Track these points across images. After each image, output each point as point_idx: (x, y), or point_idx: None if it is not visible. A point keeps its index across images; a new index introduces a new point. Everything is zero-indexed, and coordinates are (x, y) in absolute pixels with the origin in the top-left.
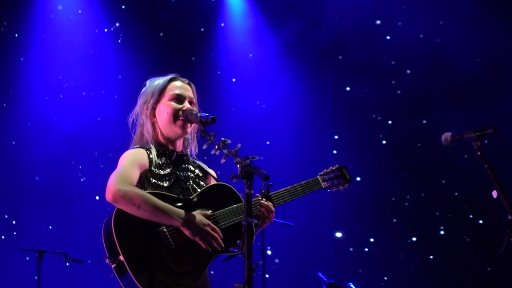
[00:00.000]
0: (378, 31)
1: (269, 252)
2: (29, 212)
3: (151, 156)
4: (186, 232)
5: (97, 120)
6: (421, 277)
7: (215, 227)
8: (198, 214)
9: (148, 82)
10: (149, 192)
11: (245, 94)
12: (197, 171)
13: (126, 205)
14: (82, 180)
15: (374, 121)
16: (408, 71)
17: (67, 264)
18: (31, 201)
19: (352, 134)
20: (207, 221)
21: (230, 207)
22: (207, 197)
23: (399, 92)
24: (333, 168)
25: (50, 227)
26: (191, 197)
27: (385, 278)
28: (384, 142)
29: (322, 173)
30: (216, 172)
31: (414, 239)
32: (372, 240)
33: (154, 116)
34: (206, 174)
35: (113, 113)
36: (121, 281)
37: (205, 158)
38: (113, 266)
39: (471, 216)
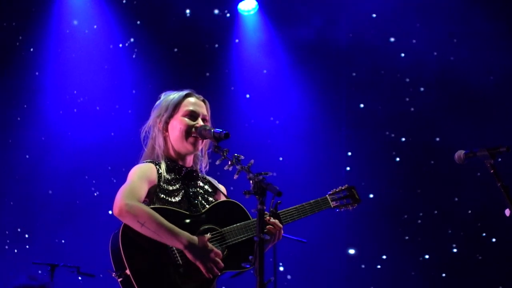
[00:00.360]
0: (392, 48)
1: (281, 269)
2: (42, 225)
3: (160, 171)
4: (188, 256)
5: (111, 135)
6: None
7: (218, 251)
8: (202, 238)
9: (162, 96)
10: (157, 207)
11: (259, 110)
12: (206, 186)
13: (130, 221)
14: (95, 194)
15: (387, 138)
16: (422, 89)
17: (79, 278)
18: (44, 215)
19: (365, 150)
20: (210, 247)
21: (238, 224)
22: (216, 213)
23: (412, 109)
24: (343, 188)
25: (63, 241)
26: (199, 213)
27: None
28: (397, 159)
29: (331, 192)
30: (229, 188)
31: (426, 256)
32: (384, 257)
33: (167, 130)
34: (215, 189)
35: (127, 128)
36: None
37: (218, 173)
38: (119, 280)
39: (484, 234)
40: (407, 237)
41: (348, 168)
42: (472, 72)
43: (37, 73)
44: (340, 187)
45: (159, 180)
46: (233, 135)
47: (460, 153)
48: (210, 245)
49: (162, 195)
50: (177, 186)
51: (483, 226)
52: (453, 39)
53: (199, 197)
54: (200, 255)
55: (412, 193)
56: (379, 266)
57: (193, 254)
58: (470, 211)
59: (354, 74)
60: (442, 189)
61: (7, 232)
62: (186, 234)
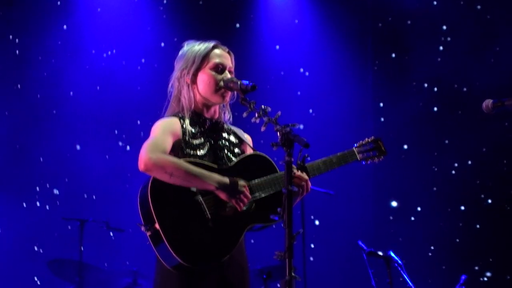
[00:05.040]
0: None
1: (317, 222)
2: (70, 181)
3: (184, 126)
4: (222, 196)
5: (137, 89)
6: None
7: (244, 184)
8: (233, 178)
9: (186, 46)
10: (183, 160)
11: (288, 61)
12: (231, 138)
13: (158, 173)
14: (127, 148)
15: (415, 88)
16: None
17: (111, 234)
18: (73, 171)
19: (393, 102)
20: (243, 183)
21: (266, 177)
22: (243, 167)
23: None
24: (369, 140)
25: (94, 196)
26: (225, 167)
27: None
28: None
29: (357, 145)
30: (259, 140)
31: (462, 208)
32: (419, 209)
33: (194, 82)
34: (241, 140)
35: (154, 81)
36: (156, 249)
37: (248, 126)
38: (148, 234)
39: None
40: (437, 189)
41: (382, 119)
42: None
43: (65, 27)
44: (366, 139)
45: (183, 134)
46: (262, 87)
47: (488, 102)
48: (243, 182)
49: (187, 149)
50: (202, 139)
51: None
52: None
53: (225, 150)
54: (235, 193)
55: (441, 144)
56: (412, 218)
57: (227, 193)
58: (505, 161)
59: (380, 24)
60: (470, 139)
61: (37, 189)
62: (216, 175)
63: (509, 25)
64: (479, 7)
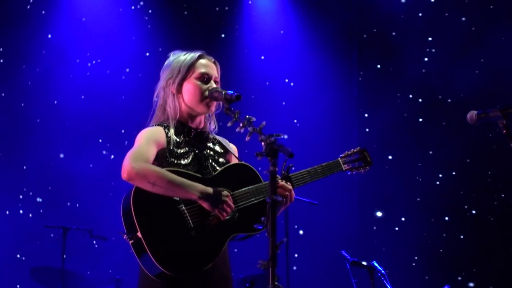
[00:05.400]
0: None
1: (301, 232)
2: (54, 190)
3: (169, 135)
4: (205, 205)
5: (122, 98)
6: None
7: (228, 193)
8: (216, 188)
9: (171, 56)
10: (167, 169)
11: (273, 71)
12: (216, 147)
13: (141, 182)
14: (111, 157)
15: (400, 99)
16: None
17: (94, 242)
18: (56, 179)
19: (378, 113)
20: (226, 192)
21: (250, 187)
22: (227, 176)
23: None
24: (355, 151)
25: (77, 205)
26: (209, 176)
27: (416, 257)
28: (409, 120)
29: (343, 155)
30: (243, 151)
31: (446, 218)
32: (403, 219)
33: (180, 92)
34: (226, 150)
35: (138, 91)
36: (138, 258)
37: (232, 136)
38: (130, 242)
39: (503, 195)
40: (421, 199)
41: (367, 130)
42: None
43: (49, 36)
44: (352, 150)
45: (168, 143)
46: (247, 97)
47: (472, 114)
48: (227, 192)
49: (171, 158)
50: (187, 148)
51: (502, 187)
52: None
53: (210, 159)
54: (219, 202)
55: (425, 155)
56: (397, 228)
57: (210, 202)
58: (490, 173)
59: (365, 35)
60: (454, 150)
61: (20, 197)
62: (199, 185)
63: (493, 36)
64: (463, 19)
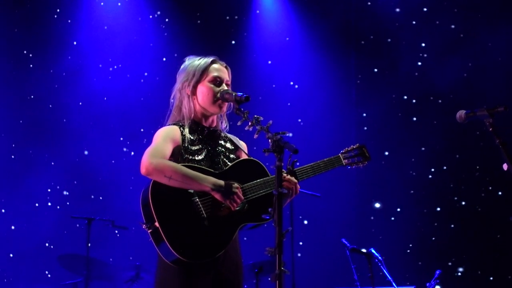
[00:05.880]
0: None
1: (305, 222)
2: (79, 183)
3: (184, 133)
4: (217, 196)
5: (141, 100)
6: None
7: (238, 186)
8: (227, 181)
9: (187, 60)
10: (183, 165)
11: (279, 75)
12: (227, 144)
13: (158, 177)
14: (131, 154)
15: (395, 100)
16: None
17: (116, 231)
18: (81, 174)
19: (375, 112)
20: (236, 185)
21: (258, 180)
22: (237, 171)
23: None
24: (354, 147)
25: (100, 197)
26: (221, 171)
27: (411, 245)
28: (404, 119)
29: (343, 151)
30: (252, 147)
31: (438, 209)
32: (399, 209)
33: (194, 94)
34: (236, 147)
35: (156, 93)
36: (156, 246)
37: (242, 134)
38: (149, 231)
39: (490, 188)
40: (416, 192)
41: (365, 128)
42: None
43: (75, 43)
44: (352, 146)
45: (183, 141)
46: (255, 98)
47: (461, 113)
48: (237, 185)
49: (186, 155)
50: (200, 146)
51: (490, 180)
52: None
53: (221, 155)
54: (229, 193)
55: (418, 151)
56: (393, 218)
57: (221, 193)
58: (478, 167)
59: (362, 42)
60: (445, 147)
61: (49, 190)
62: (212, 178)
63: (481, 43)
64: (453, 26)
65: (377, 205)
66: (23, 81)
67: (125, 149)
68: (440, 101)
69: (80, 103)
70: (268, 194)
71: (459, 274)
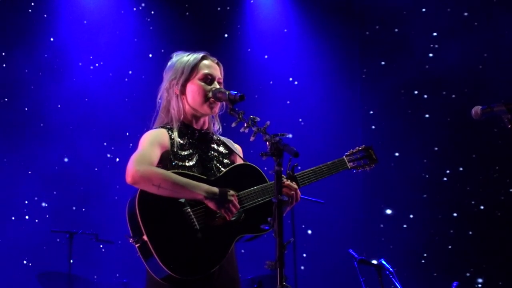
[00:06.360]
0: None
1: (309, 232)
2: (59, 194)
3: (172, 137)
4: (210, 204)
5: (125, 101)
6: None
7: (233, 193)
8: (221, 188)
9: (174, 57)
10: (172, 171)
11: (277, 70)
12: (220, 148)
13: (145, 185)
14: (117, 160)
15: (403, 96)
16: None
17: (101, 246)
18: (61, 184)
19: (382, 109)
20: (232, 192)
21: (255, 187)
22: (232, 177)
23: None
24: (360, 148)
25: (83, 209)
26: (213, 178)
27: (425, 255)
28: (414, 116)
29: (348, 153)
30: (248, 150)
31: (454, 214)
32: (411, 216)
33: (183, 93)
34: (230, 150)
35: (141, 93)
36: (145, 261)
37: (237, 137)
38: (137, 245)
39: (511, 190)
40: (429, 196)
41: (373, 127)
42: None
43: (52, 39)
44: (357, 148)
45: (171, 146)
46: (251, 97)
47: (477, 109)
48: (232, 192)
49: (175, 161)
50: (191, 150)
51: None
52: None
53: (214, 161)
54: (220, 200)
55: (430, 151)
56: (405, 226)
57: (215, 202)
58: (497, 167)
59: (367, 33)
60: (460, 146)
61: (26, 202)
62: (204, 185)
63: (496, 31)
64: (466, 14)
65: (389, 211)
66: None
67: (109, 155)
68: (453, 96)
69: (59, 105)
70: (267, 202)
71: (479, 286)
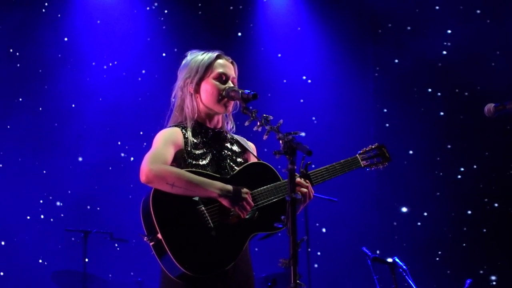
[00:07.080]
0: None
1: (324, 230)
2: (73, 193)
3: (186, 135)
4: (224, 202)
5: (139, 100)
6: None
7: (247, 190)
8: (235, 186)
9: (189, 55)
10: (186, 170)
11: (291, 69)
12: (234, 147)
13: (160, 184)
14: (130, 160)
15: (417, 93)
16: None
17: (115, 245)
18: (75, 182)
19: (395, 108)
20: (246, 190)
21: (269, 185)
22: (245, 175)
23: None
24: (373, 147)
25: (98, 208)
26: (228, 176)
27: (439, 252)
28: (427, 114)
29: (361, 151)
30: (263, 149)
31: (469, 212)
32: (425, 214)
33: (198, 92)
34: (244, 149)
35: (155, 92)
36: (159, 259)
37: (251, 135)
38: (151, 244)
39: None
40: (443, 194)
41: (387, 125)
42: None
43: (65, 39)
44: (370, 146)
45: (185, 144)
46: (264, 96)
47: (490, 106)
48: (246, 189)
49: (189, 160)
50: (204, 149)
51: None
52: None
53: (228, 159)
54: (234, 198)
55: (444, 148)
56: (419, 223)
57: (230, 199)
58: None
59: (380, 31)
60: (473, 144)
61: (41, 201)
62: (218, 182)
63: (509, 28)
64: (478, 11)
65: (404, 209)
66: (10, 82)
67: (123, 154)
68: (466, 93)
69: (73, 105)
70: (281, 200)
71: (493, 283)
